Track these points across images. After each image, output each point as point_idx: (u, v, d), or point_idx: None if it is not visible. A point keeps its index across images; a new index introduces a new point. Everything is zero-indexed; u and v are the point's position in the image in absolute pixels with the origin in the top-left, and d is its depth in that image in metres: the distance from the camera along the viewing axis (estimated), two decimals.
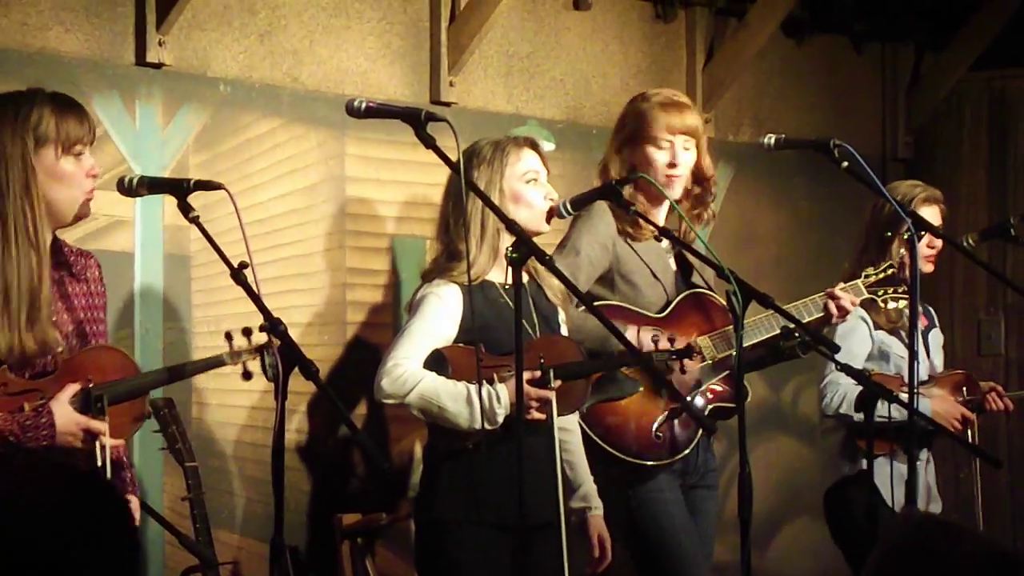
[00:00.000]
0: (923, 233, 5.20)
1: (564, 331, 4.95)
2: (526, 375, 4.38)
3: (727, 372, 5.14)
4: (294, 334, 3.73)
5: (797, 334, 4.72)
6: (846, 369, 4.63)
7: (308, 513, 5.65)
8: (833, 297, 5.17)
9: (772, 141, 4.94)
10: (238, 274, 3.70)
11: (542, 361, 4.65)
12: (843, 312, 5.17)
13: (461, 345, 4.78)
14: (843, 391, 5.69)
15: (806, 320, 5.07)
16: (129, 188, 3.98)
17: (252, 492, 5.52)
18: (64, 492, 2.02)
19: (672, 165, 5.14)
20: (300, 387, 4.16)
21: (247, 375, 3.92)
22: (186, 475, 4.87)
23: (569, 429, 5.01)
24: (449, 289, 4.82)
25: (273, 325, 3.66)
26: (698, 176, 5.26)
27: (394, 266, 5.95)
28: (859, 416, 4.74)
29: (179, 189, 3.90)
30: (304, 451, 5.65)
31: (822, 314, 5.19)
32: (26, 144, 3.81)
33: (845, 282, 5.30)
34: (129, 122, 5.31)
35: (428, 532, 4.85)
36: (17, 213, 3.78)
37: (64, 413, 3.71)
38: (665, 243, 5.24)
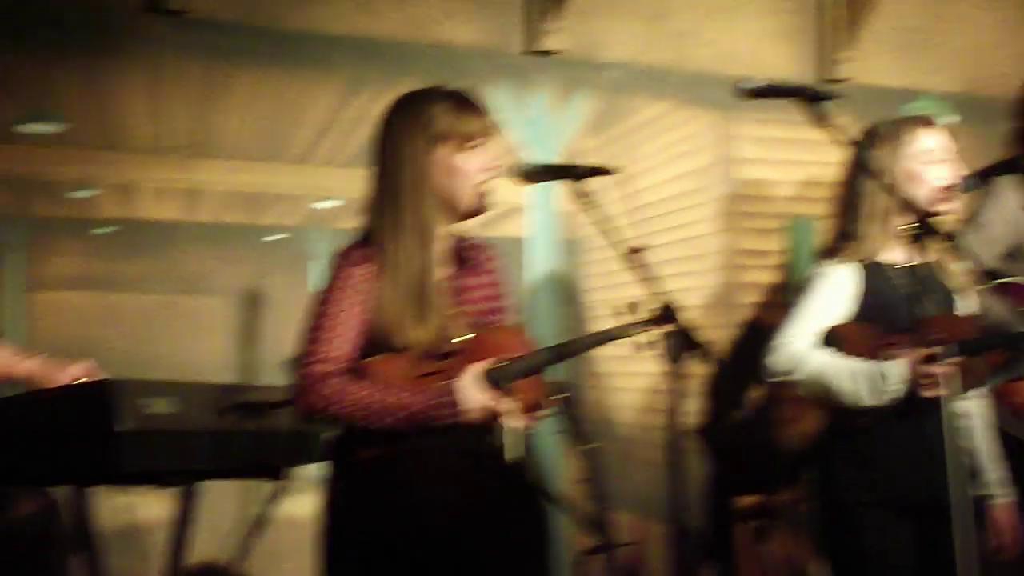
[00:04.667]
0: None
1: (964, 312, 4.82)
2: (919, 352, 4.28)
3: None
4: (686, 316, 3.73)
5: None
6: None
7: (705, 495, 5.65)
8: None
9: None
10: (631, 258, 3.71)
11: (937, 338, 4.53)
12: None
13: (856, 323, 4.71)
14: None
15: None
16: (523, 175, 4.03)
17: (649, 474, 5.55)
18: (473, 477, 2.03)
19: None
20: (694, 369, 4.16)
21: (640, 349, 3.94)
22: (583, 458, 4.93)
23: (970, 414, 4.87)
24: (842, 269, 4.75)
25: (667, 308, 3.66)
26: None
27: (787, 247, 5.89)
28: None
29: (572, 175, 3.93)
30: (699, 433, 5.65)
31: None
32: (422, 141, 3.90)
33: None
34: (522, 110, 5.40)
35: (827, 513, 4.79)
36: (409, 208, 3.87)
37: (471, 390, 3.78)
38: None
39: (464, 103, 3.94)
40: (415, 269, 3.84)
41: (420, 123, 3.89)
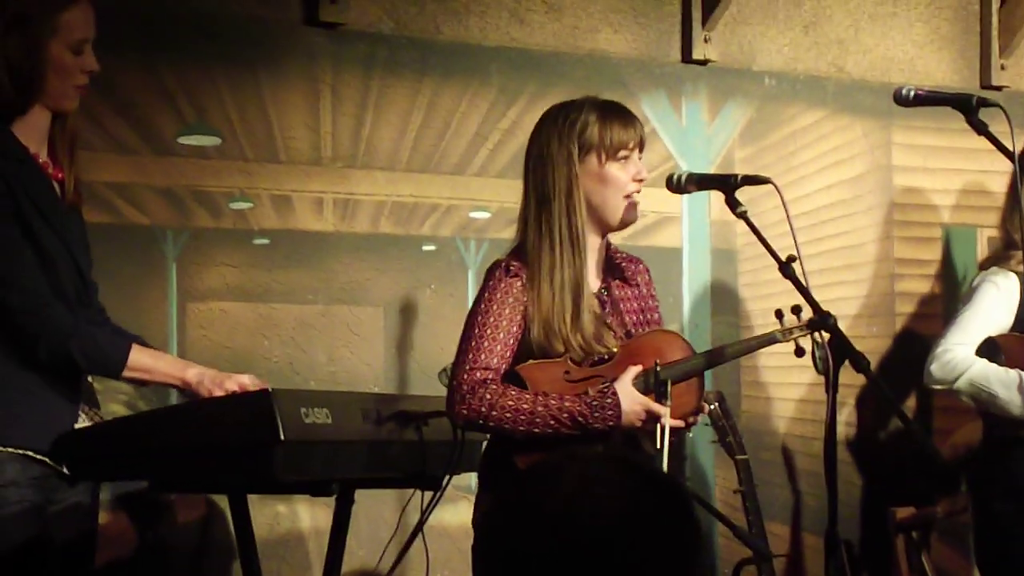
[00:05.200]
0: None
1: None
2: None
3: None
4: (842, 326, 3.69)
5: None
6: None
7: (861, 506, 5.59)
8: None
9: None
10: (786, 267, 3.69)
11: None
12: None
13: (1016, 334, 4.65)
14: None
15: None
16: (677, 185, 4.02)
17: (803, 485, 5.50)
18: (629, 486, 2.02)
19: None
20: (849, 379, 4.11)
21: (800, 352, 3.91)
22: (737, 468, 4.90)
23: None
24: (1006, 278, 4.70)
25: (823, 318, 3.63)
26: None
27: (945, 256, 5.82)
28: None
29: (727, 184, 3.92)
30: (854, 444, 5.60)
31: None
32: (571, 151, 3.91)
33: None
34: (676, 119, 5.39)
35: (989, 526, 4.73)
36: (561, 218, 3.88)
37: (628, 393, 3.79)
38: None
39: (614, 113, 3.95)
40: (568, 278, 3.85)
41: (570, 133, 3.90)
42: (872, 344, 5.58)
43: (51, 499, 3.60)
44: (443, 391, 3.93)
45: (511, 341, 3.84)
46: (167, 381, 3.71)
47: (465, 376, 3.80)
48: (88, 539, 3.76)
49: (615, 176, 3.91)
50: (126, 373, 3.65)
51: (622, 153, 3.92)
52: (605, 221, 3.95)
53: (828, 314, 3.64)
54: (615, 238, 4.12)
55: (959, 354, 4.66)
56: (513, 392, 3.78)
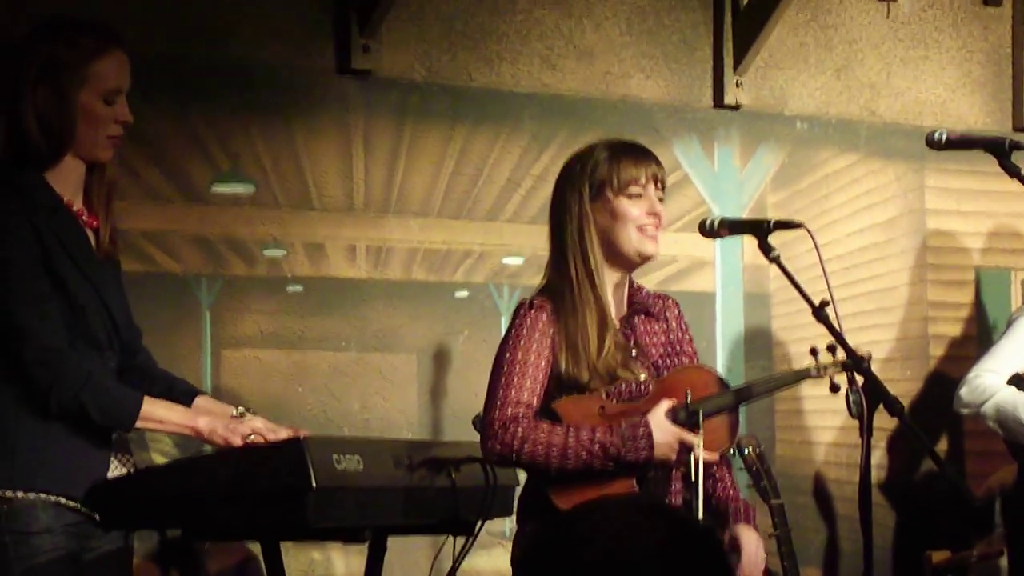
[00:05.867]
0: None
1: None
2: None
3: None
4: (875, 369, 3.68)
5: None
6: None
7: (894, 550, 5.57)
8: None
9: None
10: (819, 311, 3.68)
11: None
12: None
13: None
14: None
15: None
16: (710, 229, 4.02)
17: (838, 529, 5.48)
18: (664, 533, 2.02)
19: None
20: (880, 422, 4.10)
21: (835, 388, 3.90)
22: (772, 512, 4.89)
23: None
24: None
25: (857, 362, 3.62)
26: None
27: (978, 298, 5.80)
28: None
29: (759, 229, 3.91)
30: (887, 487, 5.58)
31: None
32: (583, 190, 3.93)
33: None
34: (708, 164, 5.40)
35: (1022, 567, 4.70)
36: (576, 256, 3.91)
37: (661, 425, 3.79)
38: None
39: (625, 150, 3.97)
40: (591, 311, 3.87)
41: (582, 173, 3.93)
42: (905, 387, 5.57)
43: (85, 547, 3.60)
44: (476, 436, 3.93)
45: (540, 376, 3.85)
46: (179, 432, 3.73)
47: (497, 412, 3.81)
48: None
49: (626, 211, 3.92)
50: (138, 424, 3.65)
51: (633, 189, 3.93)
52: (622, 255, 3.96)
53: (862, 358, 3.63)
54: (648, 284, 4.13)
55: (988, 380, 4.67)
56: (545, 426, 3.78)
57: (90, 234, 3.71)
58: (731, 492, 4.01)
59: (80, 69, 3.59)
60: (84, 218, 3.69)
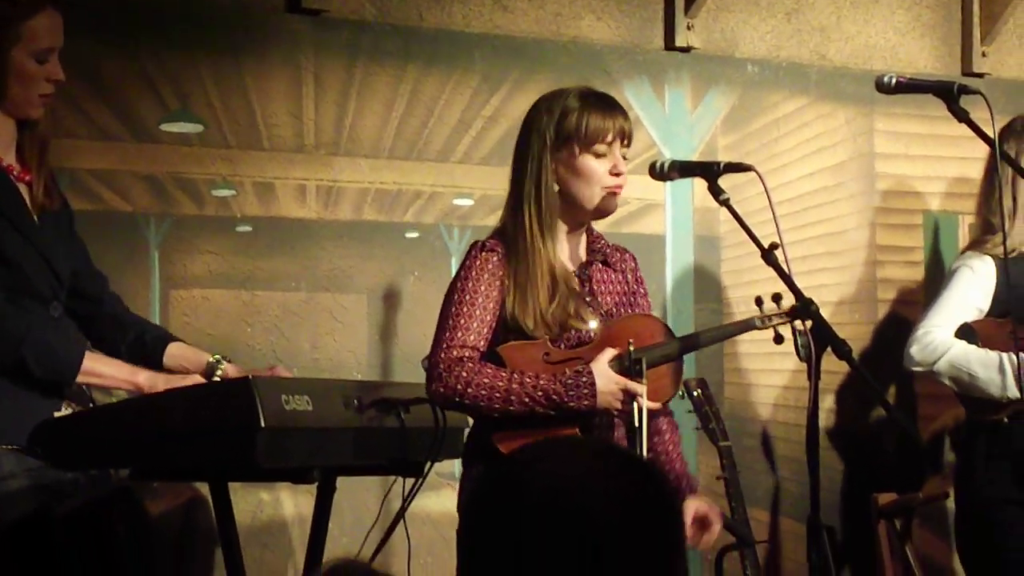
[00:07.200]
0: None
1: None
2: None
3: None
4: (824, 313, 3.70)
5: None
6: None
7: (842, 492, 5.61)
8: None
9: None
10: (769, 254, 3.69)
11: None
12: None
13: (992, 318, 4.67)
14: None
15: None
16: (660, 172, 4.02)
17: (786, 471, 5.52)
18: (608, 473, 2.03)
19: None
20: (831, 366, 4.12)
21: (779, 339, 3.92)
22: (720, 455, 4.91)
23: None
24: (982, 261, 4.72)
25: (805, 305, 3.64)
26: None
27: (927, 243, 5.83)
28: None
29: (709, 172, 3.92)
30: (836, 430, 5.61)
31: None
32: (547, 138, 3.92)
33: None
34: (659, 106, 5.40)
35: (967, 509, 4.74)
36: (531, 204, 3.90)
37: (604, 373, 3.80)
38: None
39: (595, 105, 3.94)
40: (540, 259, 3.86)
41: (550, 120, 3.91)
42: (854, 331, 5.59)
43: (51, 486, 3.61)
44: (425, 377, 3.93)
45: (488, 318, 3.85)
46: (120, 386, 3.73)
47: (443, 355, 3.81)
48: (103, 510, 3.79)
49: (590, 168, 3.91)
50: (80, 379, 3.66)
51: (599, 147, 3.91)
52: (581, 209, 3.95)
53: (810, 301, 3.65)
54: (597, 226, 4.12)
55: (939, 336, 4.68)
56: (489, 370, 3.79)
57: (23, 189, 3.69)
58: (676, 466, 4.03)
59: (13, 26, 3.57)
60: (16, 173, 3.67)
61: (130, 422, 3.61)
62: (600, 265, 4.03)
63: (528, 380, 3.78)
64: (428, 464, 4.03)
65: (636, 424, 3.75)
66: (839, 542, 5.46)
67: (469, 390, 3.77)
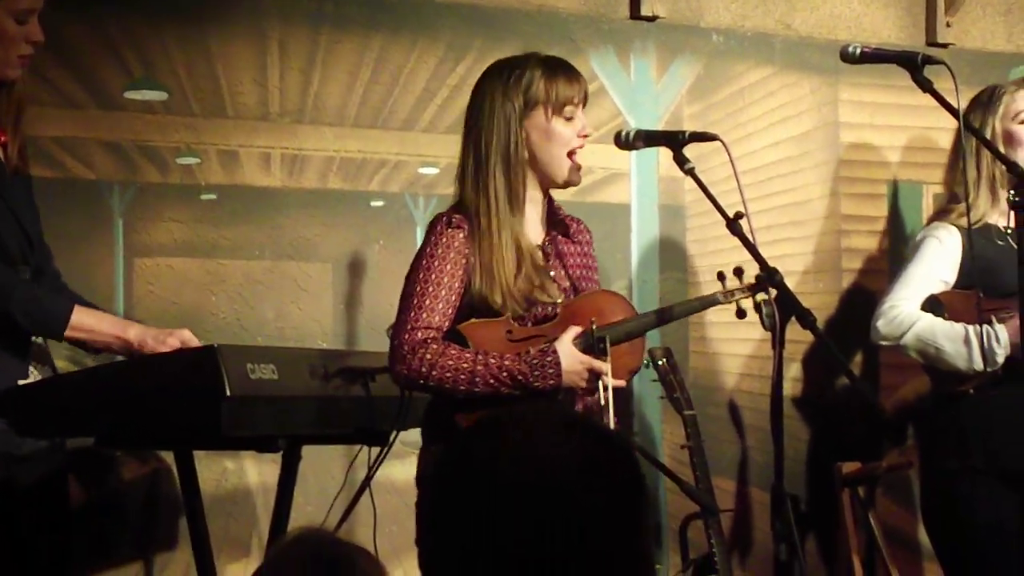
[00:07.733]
0: None
1: None
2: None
3: None
4: (789, 282, 3.71)
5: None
6: None
7: (807, 461, 5.63)
8: None
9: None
10: (733, 224, 3.70)
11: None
12: None
13: (958, 290, 4.68)
14: None
15: None
16: (625, 141, 4.02)
17: (750, 440, 5.54)
18: (574, 443, 2.01)
19: None
20: (796, 336, 4.14)
21: (741, 314, 3.93)
22: (685, 423, 4.92)
23: None
24: (947, 232, 4.73)
25: (769, 274, 3.65)
26: None
27: (892, 212, 5.84)
28: None
29: (674, 141, 3.92)
30: (801, 400, 5.63)
31: None
32: (516, 105, 3.91)
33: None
34: (624, 76, 5.39)
35: (932, 480, 4.76)
36: (500, 174, 3.89)
37: (569, 352, 3.80)
38: None
39: (559, 68, 3.95)
40: (507, 233, 3.86)
41: (515, 88, 3.90)
42: (818, 300, 5.61)
43: (14, 452, 3.59)
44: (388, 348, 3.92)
45: (453, 297, 3.84)
46: (109, 341, 3.71)
47: (406, 336, 3.80)
48: (60, 478, 3.78)
49: (561, 132, 3.92)
50: (68, 333, 3.64)
51: (568, 109, 3.92)
52: (549, 177, 3.95)
53: (775, 271, 3.66)
54: (563, 195, 4.12)
55: (905, 309, 4.69)
56: (453, 352, 3.78)
57: None
58: None
59: None
60: None
61: (95, 390, 3.60)
62: (562, 238, 4.03)
63: (492, 361, 3.77)
64: (394, 433, 4.03)
65: (602, 402, 3.76)
66: (803, 510, 5.48)
67: (434, 372, 3.76)
